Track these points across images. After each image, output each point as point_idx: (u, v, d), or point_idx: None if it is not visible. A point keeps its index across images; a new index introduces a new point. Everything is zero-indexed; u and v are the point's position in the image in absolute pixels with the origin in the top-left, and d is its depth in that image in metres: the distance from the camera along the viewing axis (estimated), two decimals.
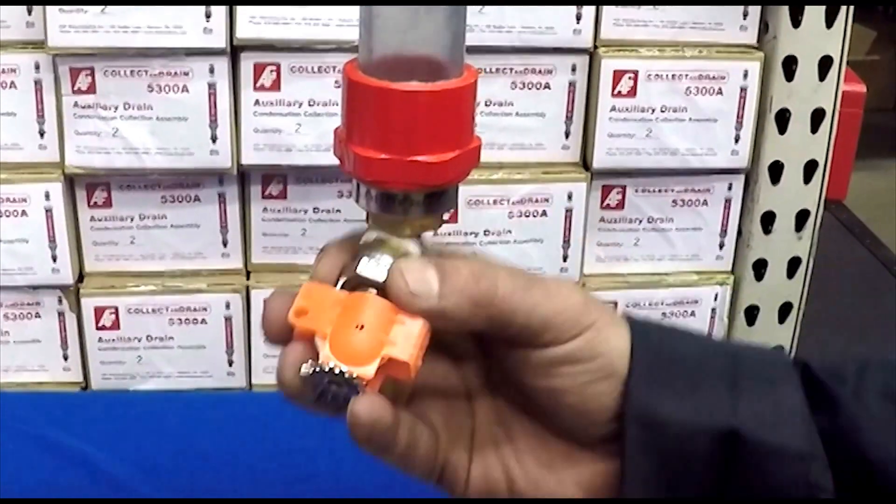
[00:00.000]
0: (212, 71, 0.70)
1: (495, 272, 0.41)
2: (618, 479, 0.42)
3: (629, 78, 0.73)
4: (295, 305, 0.41)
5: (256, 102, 0.71)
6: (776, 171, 0.77)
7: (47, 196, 0.72)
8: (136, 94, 0.70)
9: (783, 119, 0.76)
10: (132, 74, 0.70)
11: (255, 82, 0.71)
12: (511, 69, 0.73)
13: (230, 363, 0.78)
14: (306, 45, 0.70)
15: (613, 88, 0.74)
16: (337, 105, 0.71)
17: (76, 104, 0.70)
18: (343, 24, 0.69)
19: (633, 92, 0.74)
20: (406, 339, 0.40)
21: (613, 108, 0.74)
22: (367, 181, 0.42)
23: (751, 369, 0.43)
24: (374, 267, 0.42)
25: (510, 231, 0.76)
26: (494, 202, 0.75)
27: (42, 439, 0.69)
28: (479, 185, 0.74)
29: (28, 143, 0.72)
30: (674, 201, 0.78)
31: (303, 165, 0.73)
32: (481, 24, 0.71)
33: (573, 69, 0.74)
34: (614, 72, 0.73)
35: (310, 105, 0.72)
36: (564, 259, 0.78)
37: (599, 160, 0.75)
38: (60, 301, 0.75)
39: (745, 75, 0.74)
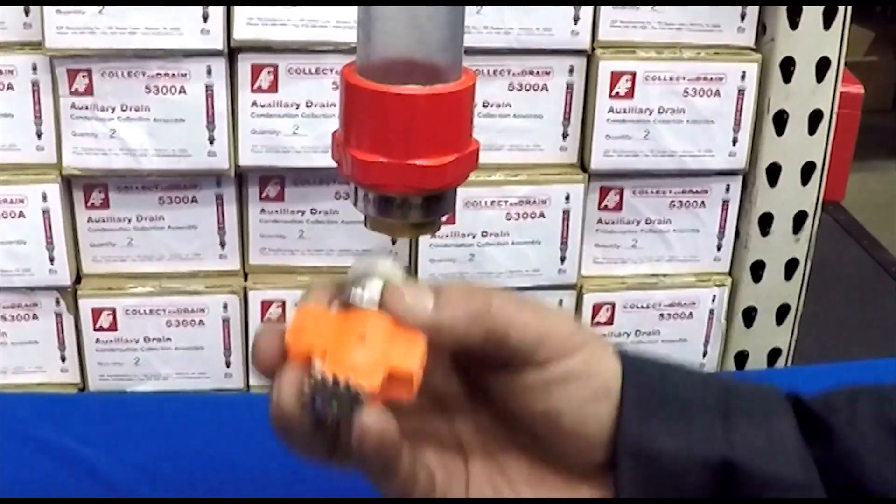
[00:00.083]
0: (209, 72, 0.70)
1: (487, 290, 0.42)
2: None
3: (627, 79, 0.73)
4: (291, 326, 0.40)
5: (254, 104, 0.71)
6: (774, 172, 0.77)
7: (45, 197, 0.72)
8: (133, 95, 0.70)
9: (781, 120, 0.76)
10: (129, 76, 0.70)
11: (253, 84, 0.71)
12: (509, 70, 0.73)
13: (228, 364, 0.78)
14: (304, 46, 0.70)
15: (611, 90, 0.73)
16: (334, 107, 0.71)
17: (73, 105, 0.70)
18: (340, 25, 0.69)
19: (630, 93, 0.74)
20: (408, 354, 0.40)
21: (611, 110, 0.74)
22: (365, 184, 0.42)
23: (743, 401, 0.43)
24: (366, 293, 0.41)
25: (508, 233, 0.76)
26: (492, 203, 0.75)
27: (39, 440, 0.69)
28: (476, 186, 0.74)
29: (25, 145, 0.72)
30: (671, 203, 0.78)
31: (300, 167, 0.73)
32: (479, 26, 0.71)
33: (571, 71, 0.74)
34: (612, 73, 0.73)
35: (307, 106, 0.72)
36: (562, 260, 0.78)
37: (597, 162, 0.75)
38: (58, 302, 0.75)
39: (743, 77, 0.74)
